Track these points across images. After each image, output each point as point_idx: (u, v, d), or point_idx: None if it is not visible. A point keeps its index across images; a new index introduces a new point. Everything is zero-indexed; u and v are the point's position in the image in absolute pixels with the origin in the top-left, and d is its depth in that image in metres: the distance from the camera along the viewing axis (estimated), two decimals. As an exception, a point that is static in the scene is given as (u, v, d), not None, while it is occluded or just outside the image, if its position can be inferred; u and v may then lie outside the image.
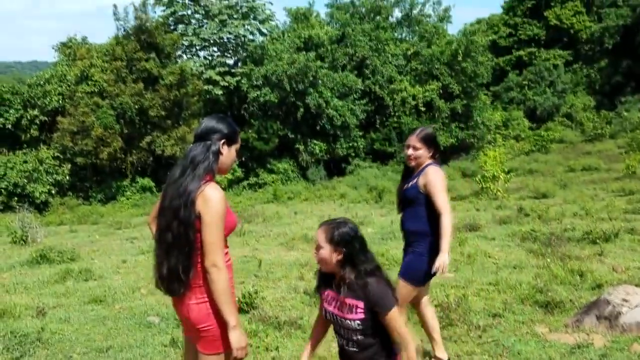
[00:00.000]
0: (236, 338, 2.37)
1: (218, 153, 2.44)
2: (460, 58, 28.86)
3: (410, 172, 3.71)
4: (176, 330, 4.87)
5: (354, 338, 2.52)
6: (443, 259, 3.25)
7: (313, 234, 2.87)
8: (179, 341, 4.44)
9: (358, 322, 2.49)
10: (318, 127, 27.32)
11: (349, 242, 2.48)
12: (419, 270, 3.52)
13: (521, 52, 38.93)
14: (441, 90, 29.17)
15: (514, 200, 15.82)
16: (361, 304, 2.46)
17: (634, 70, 35.93)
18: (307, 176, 27.21)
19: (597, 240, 8.28)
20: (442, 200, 3.40)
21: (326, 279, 2.63)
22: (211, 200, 2.35)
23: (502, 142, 30.66)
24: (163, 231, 2.42)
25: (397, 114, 28.68)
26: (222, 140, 2.46)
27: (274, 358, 4.14)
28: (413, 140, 3.63)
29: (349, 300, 2.49)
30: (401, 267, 3.65)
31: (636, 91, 35.46)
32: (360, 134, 28.24)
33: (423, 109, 28.94)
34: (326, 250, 2.51)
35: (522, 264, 6.84)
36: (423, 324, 3.85)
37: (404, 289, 3.50)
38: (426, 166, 3.60)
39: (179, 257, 2.37)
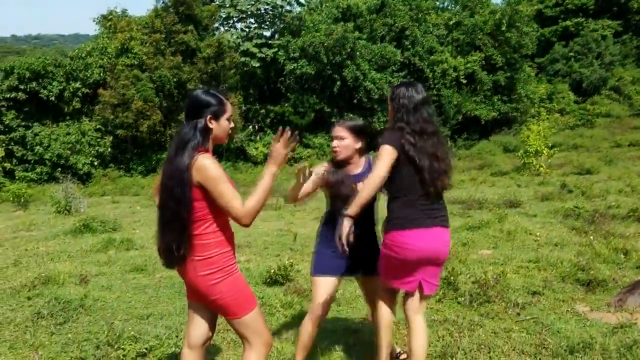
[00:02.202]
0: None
1: (206, 129, 2.51)
2: (504, 28, 27.95)
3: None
4: (213, 300, 4.96)
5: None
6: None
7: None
8: (216, 311, 4.52)
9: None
10: (355, 101, 27.05)
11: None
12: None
13: (568, 23, 37.35)
14: (484, 62, 28.39)
15: (557, 176, 15.41)
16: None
17: (688, 41, 34.17)
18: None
19: (644, 218, 7.99)
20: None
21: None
22: (204, 166, 2.40)
23: (546, 116, 29.76)
24: (160, 208, 2.54)
25: (437, 86, 28.10)
26: (209, 116, 2.52)
27: (309, 330, 4.16)
28: (338, 129, 3.24)
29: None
30: None
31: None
32: (398, 107, 27.90)
33: (464, 81, 28.27)
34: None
35: (564, 242, 6.66)
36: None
37: None
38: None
39: (172, 233, 2.47)
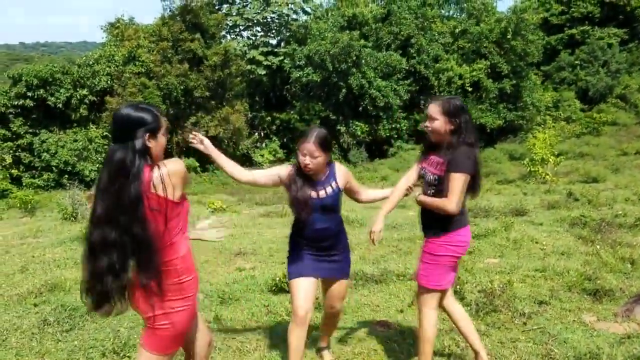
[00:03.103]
0: None
1: (145, 150, 2.24)
2: (509, 36, 28.00)
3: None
4: (219, 307, 4.96)
5: (428, 192, 3.11)
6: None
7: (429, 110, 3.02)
8: (222, 318, 4.52)
9: (436, 176, 3.06)
10: (360, 108, 27.13)
11: (460, 113, 2.98)
12: None
13: (574, 31, 37.34)
14: (489, 70, 28.41)
15: (563, 185, 15.35)
16: (441, 161, 3.01)
17: (695, 49, 34.05)
18: (349, 158, 27.16)
19: (651, 227, 7.93)
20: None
21: (431, 147, 3.15)
22: (177, 170, 2.27)
23: (552, 124, 29.71)
24: (106, 240, 2.21)
25: (442, 94, 28.13)
26: (147, 135, 2.25)
27: (316, 338, 4.16)
28: (310, 146, 3.14)
29: (438, 159, 3.06)
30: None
31: (697, 71, 33.65)
32: (404, 115, 27.90)
33: (470, 89, 28.28)
34: (440, 122, 3.01)
35: (571, 251, 6.62)
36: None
37: None
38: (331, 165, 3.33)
39: (142, 259, 2.26)
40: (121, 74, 24.96)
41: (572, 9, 37.66)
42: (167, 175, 2.21)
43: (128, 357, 3.70)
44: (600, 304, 4.78)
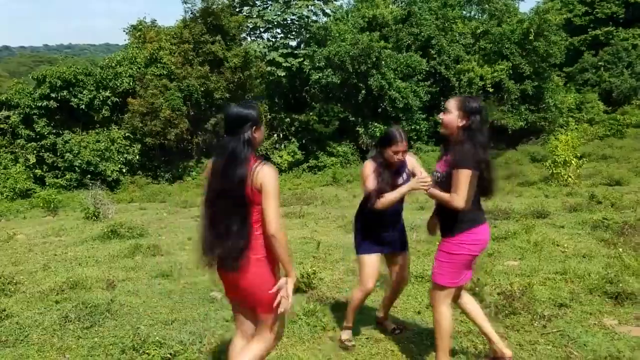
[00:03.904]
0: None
1: (251, 140, 2.76)
2: (532, 37, 27.61)
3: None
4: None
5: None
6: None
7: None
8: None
9: (442, 174, 3.24)
10: (379, 110, 27.02)
11: (474, 113, 3.12)
12: None
13: (597, 32, 36.69)
14: (511, 71, 28.05)
15: (585, 187, 15.08)
16: (449, 158, 3.19)
17: None
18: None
19: (676, 231, 7.76)
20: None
21: (447, 148, 3.31)
22: (267, 176, 2.69)
23: (575, 126, 29.20)
24: (217, 217, 2.76)
25: (463, 95, 27.86)
26: (253, 128, 2.77)
27: (331, 338, 4.16)
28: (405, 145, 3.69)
29: (447, 157, 3.25)
30: None
31: None
32: (423, 116, 27.69)
33: (491, 90, 27.96)
34: (453, 115, 3.17)
35: (592, 254, 6.52)
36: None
37: None
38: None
39: (235, 237, 2.72)
40: (143, 75, 25.21)
41: (596, 10, 37.03)
42: (258, 172, 2.68)
43: (147, 353, 3.74)
44: (622, 307, 4.70)
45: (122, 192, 22.98)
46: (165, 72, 25.16)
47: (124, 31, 29.48)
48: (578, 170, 16.84)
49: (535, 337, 4.01)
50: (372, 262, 3.82)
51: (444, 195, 3.18)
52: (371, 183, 3.64)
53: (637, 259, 6.01)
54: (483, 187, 3.23)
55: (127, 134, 25.11)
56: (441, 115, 3.28)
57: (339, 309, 4.83)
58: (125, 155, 24.76)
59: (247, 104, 2.83)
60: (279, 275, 2.83)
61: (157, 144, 25.18)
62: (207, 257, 2.81)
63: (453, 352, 3.69)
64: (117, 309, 4.88)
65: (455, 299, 3.52)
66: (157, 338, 3.97)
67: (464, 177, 3.07)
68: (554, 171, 16.82)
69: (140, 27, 28.58)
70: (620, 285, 5.15)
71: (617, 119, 29.97)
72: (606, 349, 3.70)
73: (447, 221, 3.28)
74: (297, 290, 5.39)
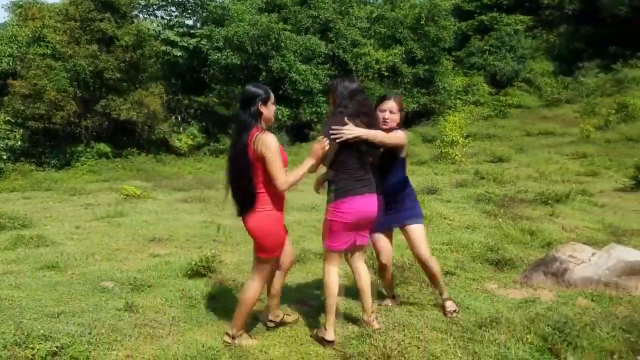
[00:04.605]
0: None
1: (258, 113, 3.38)
2: (423, 22, 28.76)
3: None
4: (130, 294, 4.82)
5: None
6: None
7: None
8: (133, 305, 4.40)
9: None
10: (281, 92, 26.98)
11: (333, 89, 3.66)
12: None
13: (484, 17, 39.04)
14: (404, 55, 29.09)
15: (471, 164, 16.14)
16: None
17: (593, 37, 36.55)
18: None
19: (549, 201, 8.57)
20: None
21: None
22: (266, 142, 3.25)
23: (462, 108, 30.99)
24: (230, 177, 3.45)
25: (360, 78, 28.50)
26: (260, 103, 3.39)
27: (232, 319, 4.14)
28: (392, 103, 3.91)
29: None
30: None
31: (594, 57, 36.19)
32: (324, 99, 28.03)
33: (386, 73, 28.85)
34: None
35: (476, 225, 7.01)
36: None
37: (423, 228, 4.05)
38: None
39: (241, 192, 3.42)
40: (25, 55, 23.26)
41: (483, -4, 39.38)
42: (258, 139, 3.26)
43: (31, 348, 3.51)
44: (502, 272, 5.11)
45: (3, 180, 21.13)
46: (49, 52, 23.33)
47: (3, 8, 27.05)
48: (465, 149, 17.96)
49: (424, 304, 4.26)
50: (376, 239, 4.06)
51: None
52: None
53: (515, 228, 6.57)
54: (360, 160, 3.51)
55: (8, 118, 23.09)
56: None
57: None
58: (7, 141, 22.80)
59: (257, 84, 3.50)
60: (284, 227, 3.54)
61: (42, 128, 23.39)
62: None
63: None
64: (-4, 304, 4.52)
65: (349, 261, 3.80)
66: (42, 332, 3.73)
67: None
68: (443, 150, 17.80)
69: (21, 3, 26.35)
70: (500, 252, 5.60)
71: (501, 100, 32.22)
72: (487, 310, 4.00)
73: (328, 189, 3.60)
74: (196, 274, 5.31)
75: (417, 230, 3.99)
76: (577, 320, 3.41)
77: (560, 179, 11.86)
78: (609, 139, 20.23)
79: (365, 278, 3.70)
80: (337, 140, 3.42)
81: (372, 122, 3.57)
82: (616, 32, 34.45)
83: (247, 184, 3.35)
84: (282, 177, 3.28)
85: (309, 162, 3.45)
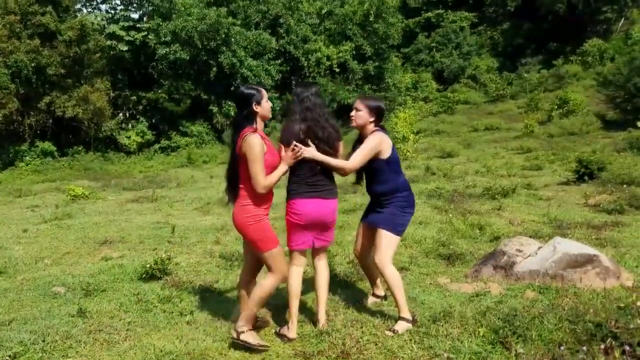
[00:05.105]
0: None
1: (253, 113, 3.55)
2: (372, 19, 29.04)
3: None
4: (83, 299, 4.71)
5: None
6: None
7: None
8: (87, 311, 4.31)
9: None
10: (232, 88, 26.69)
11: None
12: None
13: (430, 14, 39.81)
14: (354, 52, 29.33)
15: (422, 160, 16.50)
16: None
17: (534, 34, 37.95)
18: (223, 139, 26.70)
19: (496, 196, 8.88)
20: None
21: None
22: (249, 143, 3.41)
23: (412, 104, 31.56)
24: (227, 169, 3.66)
25: (312, 74, 28.56)
26: (254, 103, 3.54)
27: (189, 322, 4.12)
28: (356, 102, 3.98)
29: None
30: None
31: (536, 53, 37.58)
32: (277, 95, 27.93)
33: (337, 70, 29.01)
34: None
35: (428, 220, 7.20)
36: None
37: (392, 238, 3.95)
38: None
39: (230, 185, 3.64)
40: (-40, 49, 22.10)
41: (428, -7, 40.14)
42: (245, 139, 3.44)
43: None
44: (453, 267, 5.28)
45: (-62, 182, 20.08)
46: (-13, 47, 22.26)
47: None
48: (415, 145, 18.35)
49: (380, 300, 4.36)
50: (358, 230, 4.29)
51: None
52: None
53: (465, 223, 6.79)
54: (311, 167, 3.68)
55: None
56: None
57: (196, 292, 4.80)
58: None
59: (249, 86, 3.67)
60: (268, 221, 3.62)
61: (-19, 127, 22.33)
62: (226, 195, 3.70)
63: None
64: (-61, 316, 4.33)
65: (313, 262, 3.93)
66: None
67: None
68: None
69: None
70: (452, 247, 5.79)
71: (448, 96, 33.03)
72: (440, 305, 4.14)
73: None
74: (151, 277, 5.23)
75: (383, 236, 3.92)
76: (525, 312, 3.58)
77: (507, 174, 12.29)
78: (552, 134, 21.09)
79: (322, 277, 3.82)
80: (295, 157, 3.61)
81: (320, 128, 3.69)
82: (555, 29, 35.92)
83: (234, 179, 3.57)
84: (260, 179, 3.42)
85: (283, 168, 3.59)
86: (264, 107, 3.60)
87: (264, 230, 3.55)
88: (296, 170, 3.69)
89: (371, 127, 3.93)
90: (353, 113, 3.96)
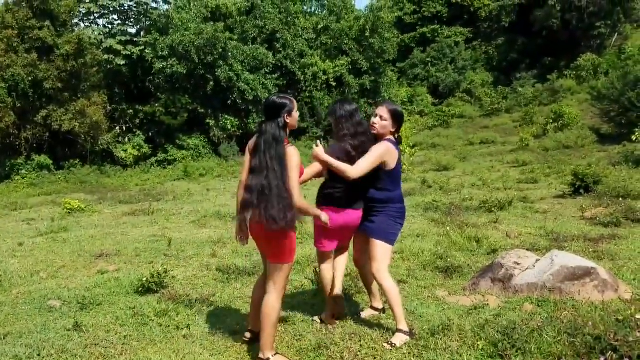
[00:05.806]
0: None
1: (285, 125, 3.49)
2: (367, 34, 29.30)
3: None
4: (79, 313, 4.68)
5: None
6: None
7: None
8: (82, 325, 4.27)
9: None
10: (229, 102, 26.79)
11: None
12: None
13: (425, 29, 40.15)
14: (350, 66, 29.53)
15: (418, 173, 16.54)
16: None
17: (528, 48, 38.28)
18: (219, 152, 26.73)
19: (493, 209, 8.90)
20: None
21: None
22: (290, 155, 3.39)
23: (408, 118, 31.70)
24: (259, 188, 3.39)
25: (309, 88, 28.72)
26: (286, 114, 3.48)
27: (185, 336, 4.08)
28: (382, 109, 3.97)
29: None
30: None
31: (530, 68, 37.87)
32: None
33: (334, 84, 29.18)
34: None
35: (425, 233, 7.20)
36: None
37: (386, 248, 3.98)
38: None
39: (273, 199, 3.36)
40: (-42, 63, 22.13)
41: (423, 9, 40.49)
42: (286, 152, 3.39)
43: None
44: (451, 279, 5.27)
45: None
46: (-15, 61, 22.31)
47: None
48: (411, 158, 18.40)
49: (379, 313, 4.34)
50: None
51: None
52: None
53: (462, 236, 6.78)
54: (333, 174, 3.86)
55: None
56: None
57: (193, 306, 4.77)
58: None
59: (281, 95, 3.57)
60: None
61: (-23, 141, 22.29)
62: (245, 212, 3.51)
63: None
64: None
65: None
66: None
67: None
68: (391, 160, 18.16)
69: (-46, 10, 24.96)
70: (449, 260, 5.78)
71: (444, 110, 33.23)
72: (439, 318, 4.12)
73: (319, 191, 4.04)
74: (147, 290, 5.20)
75: (377, 247, 3.91)
76: (524, 325, 3.56)
77: (503, 187, 12.32)
78: (547, 147, 21.20)
79: (341, 263, 4.22)
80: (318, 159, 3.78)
81: (369, 140, 3.87)
82: (550, 44, 36.24)
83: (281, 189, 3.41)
84: (296, 193, 3.40)
85: (316, 213, 3.67)
86: (294, 117, 3.58)
87: (294, 241, 3.56)
88: (332, 179, 3.86)
89: (389, 135, 3.94)
90: (376, 120, 3.89)
